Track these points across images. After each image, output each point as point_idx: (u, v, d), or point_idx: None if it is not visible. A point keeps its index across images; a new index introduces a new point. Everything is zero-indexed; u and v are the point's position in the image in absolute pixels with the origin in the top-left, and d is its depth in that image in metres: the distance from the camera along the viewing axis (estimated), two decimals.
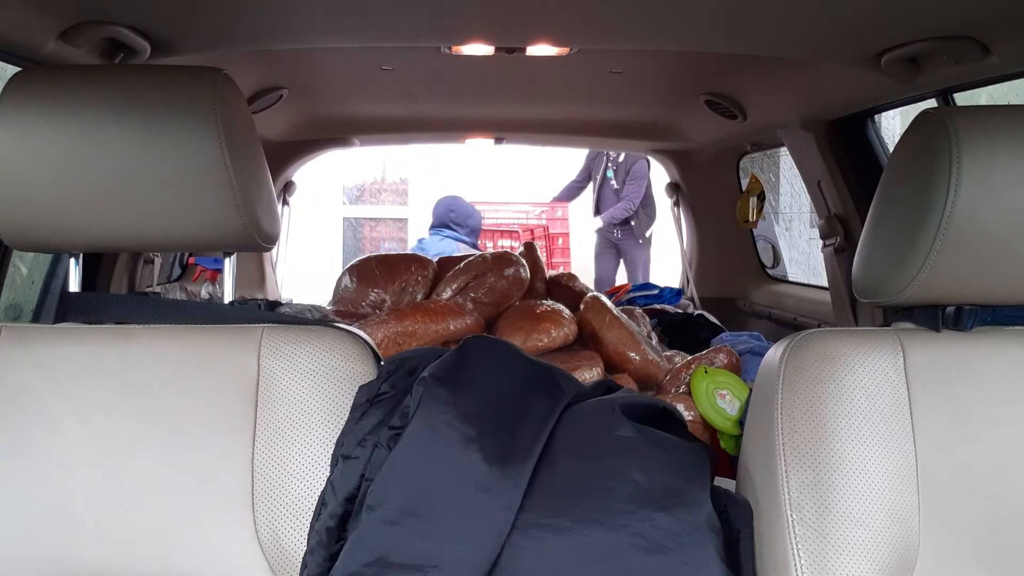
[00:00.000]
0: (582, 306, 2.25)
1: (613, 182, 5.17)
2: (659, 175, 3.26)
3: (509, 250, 2.58)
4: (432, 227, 4.36)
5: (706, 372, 1.93)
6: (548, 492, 0.92)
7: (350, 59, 2.01)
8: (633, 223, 5.08)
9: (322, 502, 0.93)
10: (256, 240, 0.99)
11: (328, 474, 0.94)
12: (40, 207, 0.94)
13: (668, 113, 2.58)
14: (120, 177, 0.92)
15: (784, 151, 2.64)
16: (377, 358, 1.03)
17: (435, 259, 2.58)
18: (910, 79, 1.53)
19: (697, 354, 2.14)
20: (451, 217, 4.45)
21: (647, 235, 5.18)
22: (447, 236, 4.31)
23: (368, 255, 2.61)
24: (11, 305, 2.13)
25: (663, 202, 3.44)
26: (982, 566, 0.91)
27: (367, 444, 0.93)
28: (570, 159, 6.20)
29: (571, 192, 5.73)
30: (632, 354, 2.11)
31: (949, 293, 0.94)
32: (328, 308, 2.40)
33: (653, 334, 2.45)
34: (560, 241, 6.89)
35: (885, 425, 0.92)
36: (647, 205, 5.18)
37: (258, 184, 0.99)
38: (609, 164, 5.20)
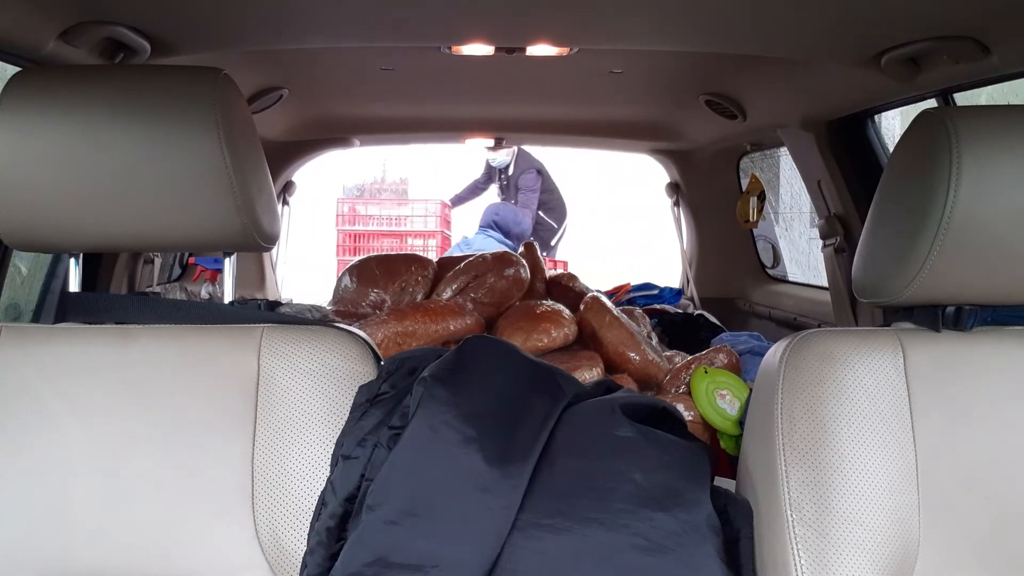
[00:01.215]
0: (582, 306, 2.25)
1: (500, 195, 5.21)
2: (659, 175, 3.26)
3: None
4: (479, 227, 4.77)
5: (706, 372, 1.93)
6: (548, 492, 0.92)
7: (350, 59, 2.01)
8: (531, 237, 5.08)
9: (322, 502, 0.93)
10: (256, 240, 0.99)
11: (328, 474, 0.94)
12: (40, 207, 0.94)
13: (668, 113, 2.58)
14: (120, 177, 0.92)
15: (784, 151, 2.64)
16: (377, 358, 1.03)
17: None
18: (910, 79, 1.53)
19: (697, 354, 2.14)
20: (495, 220, 4.89)
21: (552, 244, 5.17)
22: (491, 236, 4.61)
23: (368, 255, 2.61)
24: (11, 305, 2.13)
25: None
26: (982, 566, 0.91)
27: (367, 444, 0.93)
28: (573, 156, 6.13)
29: (473, 192, 5.65)
30: (632, 354, 2.11)
31: (949, 293, 0.94)
32: (328, 308, 2.40)
33: (653, 334, 2.45)
34: None
35: (885, 425, 0.92)
36: (553, 209, 5.18)
37: (258, 184, 0.99)
38: (501, 178, 5.20)
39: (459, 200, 5.85)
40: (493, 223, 4.86)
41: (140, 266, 2.13)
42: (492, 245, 4.52)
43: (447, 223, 6.22)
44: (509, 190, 5.18)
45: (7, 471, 0.94)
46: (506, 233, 4.81)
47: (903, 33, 1.40)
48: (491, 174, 5.35)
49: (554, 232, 5.20)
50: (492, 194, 5.44)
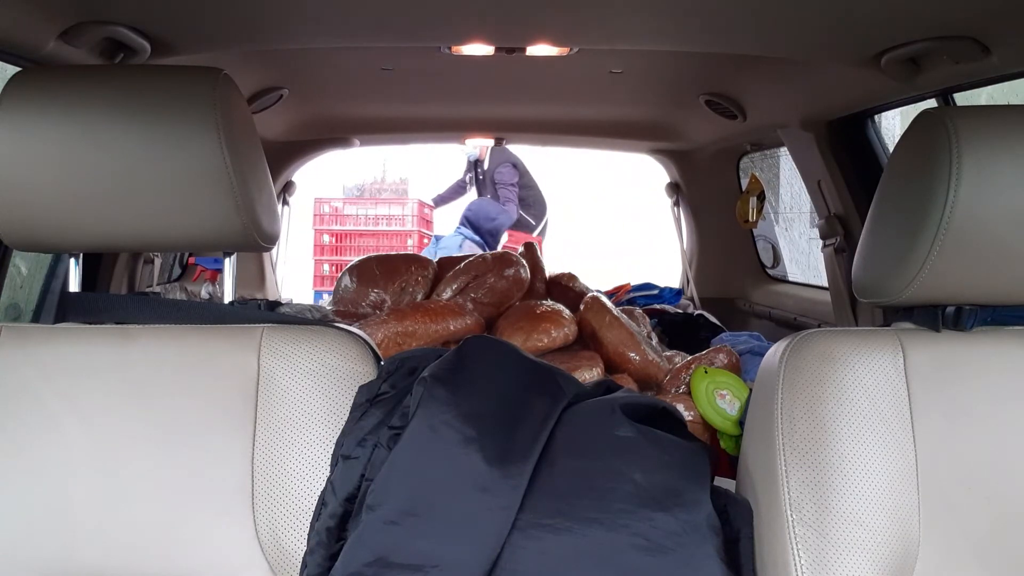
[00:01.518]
0: (582, 306, 2.25)
1: (474, 189, 5.19)
2: (659, 175, 3.26)
3: (510, 251, 2.58)
4: (457, 225, 4.74)
5: (706, 372, 1.93)
6: (548, 492, 0.92)
7: (350, 59, 2.01)
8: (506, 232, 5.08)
9: (322, 502, 0.93)
10: (256, 240, 0.99)
11: (328, 474, 0.94)
12: (40, 207, 0.94)
13: (668, 113, 2.58)
14: (120, 177, 0.92)
15: (784, 151, 2.64)
16: (377, 358, 1.03)
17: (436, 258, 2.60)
18: (910, 79, 1.53)
19: (697, 354, 2.14)
20: (467, 216, 4.79)
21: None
22: (459, 233, 4.53)
23: (368, 255, 2.61)
24: (11, 305, 2.13)
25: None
26: (982, 566, 0.91)
27: (367, 444, 0.93)
28: (574, 156, 6.10)
29: (456, 192, 5.57)
30: (632, 354, 2.11)
31: (949, 293, 0.94)
32: (328, 308, 2.40)
33: (653, 334, 2.45)
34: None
35: (885, 425, 0.92)
36: (532, 206, 5.14)
37: (258, 184, 0.99)
38: (477, 172, 5.13)
39: (442, 200, 5.79)
40: (465, 219, 4.81)
41: (140, 266, 2.13)
42: (454, 242, 4.49)
43: (426, 222, 6.19)
44: (485, 185, 5.14)
45: (7, 471, 0.94)
46: (476, 229, 4.74)
47: (903, 33, 1.40)
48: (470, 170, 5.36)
49: (533, 229, 5.17)
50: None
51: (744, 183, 2.86)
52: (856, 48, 1.50)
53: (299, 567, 0.91)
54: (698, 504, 0.92)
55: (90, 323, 1.04)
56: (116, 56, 1.44)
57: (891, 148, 1.16)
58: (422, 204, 6.06)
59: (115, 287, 1.98)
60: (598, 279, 2.91)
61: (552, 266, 2.74)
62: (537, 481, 0.92)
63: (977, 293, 0.94)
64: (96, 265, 1.92)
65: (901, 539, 0.90)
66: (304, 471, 0.94)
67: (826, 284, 2.28)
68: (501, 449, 0.93)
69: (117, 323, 1.03)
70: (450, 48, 1.72)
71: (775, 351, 1.00)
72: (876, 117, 2.05)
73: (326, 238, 6.00)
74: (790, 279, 3.00)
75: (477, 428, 0.93)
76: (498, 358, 1.05)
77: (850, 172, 2.07)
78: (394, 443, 0.93)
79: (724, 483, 1.06)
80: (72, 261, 1.06)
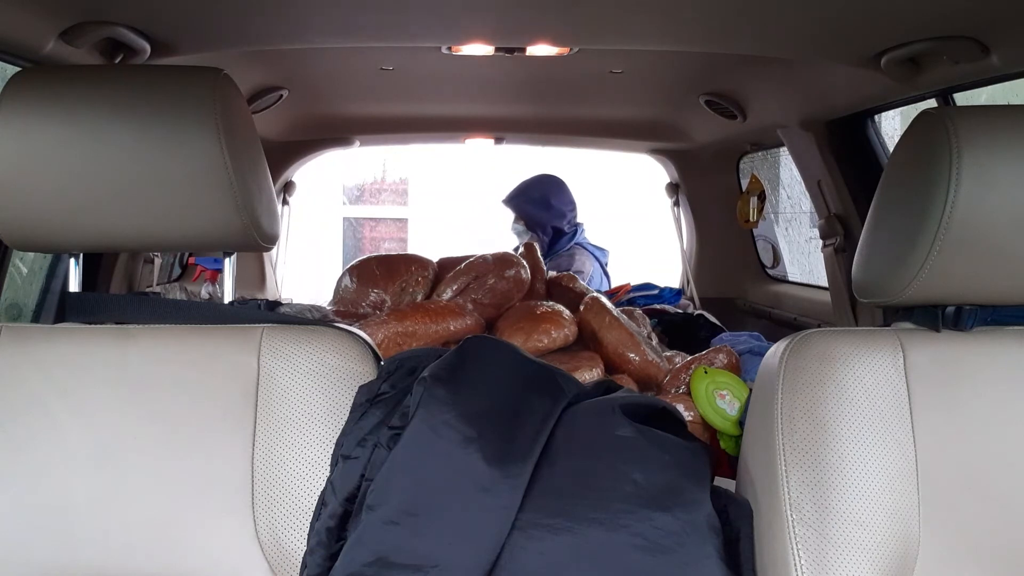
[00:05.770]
0: (582, 307, 2.24)
1: None
2: (658, 175, 3.26)
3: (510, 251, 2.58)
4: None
5: (706, 372, 1.93)
6: (548, 492, 0.92)
7: (350, 59, 2.01)
8: None
9: (322, 502, 0.93)
10: (256, 240, 0.99)
11: (328, 474, 0.94)
12: (40, 207, 0.94)
13: (668, 113, 2.59)
14: (120, 177, 0.93)
15: (784, 151, 2.64)
16: (377, 358, 1.03)
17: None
18: (910, 79, 1.53)
19: (697, 354, 2.14)
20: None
21: None
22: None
23: (368, 255, 2.61)
24: (11, 305, 2.13)
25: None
26: (982, 566, 0.91)
27: (367, 444, 0.93)
28: (575, 156, 6.08)
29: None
30: (632, 355, 2.11)
31: (949, 293, 0.94)
32: (328, 308, 2.40)
33: (653, 334, 2.45)
34: None
35: (885, 425, 0.92)
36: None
37: (258, 184, 0.99)
38: None
39: None
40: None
41: (140, 266, 2.13)
42: None
43: None
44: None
45: (7, 471, 0.94)
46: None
47: (903, 33, 1.40)
48: None
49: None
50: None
51: (744, 183, 2.86)
52: (856, 48, 1.50)
53: (299, 567, 0.91)
54: (698, 504, 0.92)
55: (90, 323, 1.04)
56: (116, 56, 1.44)
57: (891, 148, 1.16)
58: None
59: (115, 287, 1.98)
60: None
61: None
62: (537, 481, 0.92)
63: (977, 293, 0.94)
64: (96, 265, 1.92)
65: (901, 539, 0.90)
66: (304, 471, 0.94)
67: (826, 284, 2.28)
68: (501, 449, 0.93)
69: (117, 323, 1.03)
70: (450, 48, 1.72)
71: (775, 351, 1.00)
72: (876, 117, 2.05)
73: None
74: (790, 279, 3.00)
75: (477, 428, 0.93)
76: (498, 358, 1.05)
77: (850, 172, 2.07)
78: (394, 443, 0.93)
79: (724, 483, 1.06)
80: (72, 261, 1.06)
